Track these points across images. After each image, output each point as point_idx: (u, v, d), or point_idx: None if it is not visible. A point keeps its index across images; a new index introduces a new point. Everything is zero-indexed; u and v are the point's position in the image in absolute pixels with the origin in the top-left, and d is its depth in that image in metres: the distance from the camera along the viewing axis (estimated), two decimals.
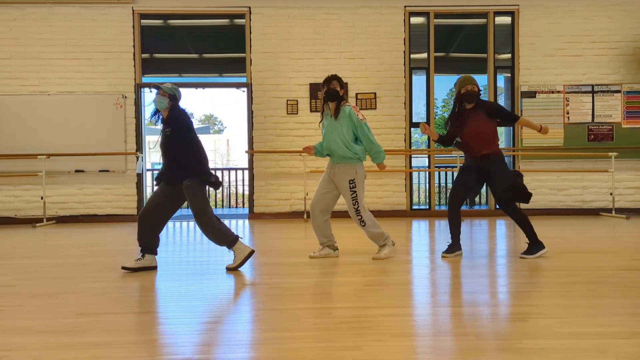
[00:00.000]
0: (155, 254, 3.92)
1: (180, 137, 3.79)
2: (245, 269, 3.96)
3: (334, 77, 4.22)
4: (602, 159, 7.44)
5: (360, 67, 7.48)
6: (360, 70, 7.48)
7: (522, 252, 4.23)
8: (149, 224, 3.83)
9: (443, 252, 4.34)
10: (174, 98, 3.86)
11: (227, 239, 3.83)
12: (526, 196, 4.15)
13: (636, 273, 3.64)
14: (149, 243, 3.87)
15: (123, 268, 3.81)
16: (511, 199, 4.20)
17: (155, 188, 3.94)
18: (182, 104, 4.00)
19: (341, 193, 4.25)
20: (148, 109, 3.98)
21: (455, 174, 7.85)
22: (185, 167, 3.79)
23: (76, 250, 4.89)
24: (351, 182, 4.15)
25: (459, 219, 4.40)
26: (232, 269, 3.81)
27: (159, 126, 4.02)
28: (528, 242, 4.23)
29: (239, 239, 3.89)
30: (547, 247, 4.18)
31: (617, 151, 7.29)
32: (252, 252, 3.88)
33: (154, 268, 3.89)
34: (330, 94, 4.18)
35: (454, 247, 4.35)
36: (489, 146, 4.16)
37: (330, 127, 4.21)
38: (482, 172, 4.22)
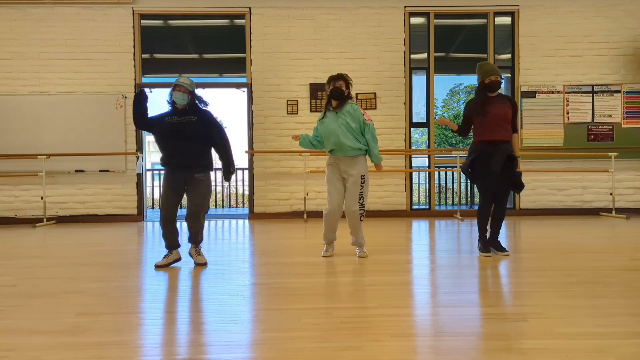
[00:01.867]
0: (179, 246, 4.18)
1: (217, 130, 4.08)
2: (246, 269, 3.96)
3: (340, 77, 4.24)
4: (602, 159, 7.44)
5: (361, 68, 7.48)
6: (360, 71, 7.48)
7: (503, 252, 4.34)
8: (172, 225, 4.08)
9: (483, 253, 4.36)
10: (193, 92, 4.08)
11: (201, 234, 4.18)
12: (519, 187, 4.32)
13: (636, 273, 3.64)
14: (172, 241, 4.11)
15: (157, 266, 4.02)
16: (510, 187, 4.30)
17: (165, 183, 4.06)
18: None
19: (348, 185, 4.26)
20: (151, 107, 4.10)
21: (456, 174, 7.85)
22: (210, 157, 4.13)
23: (76, 251, 4.89)
24: (362, 177, 4.23)
25: (488, 217, 4.41)
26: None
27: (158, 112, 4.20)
28: (493, 239, 4.39)
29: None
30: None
31: (617, 151, 7.29)
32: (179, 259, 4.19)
33: (180, 259, 4.18)
34: (335, 92, 4.20)
35: (487, 246, 4.40)
36: (508, 133, 4.27)
37: (332, 122, 4.23)
38: (496, 156, 4.24)
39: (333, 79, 4.23)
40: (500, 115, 4.24)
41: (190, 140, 3.98)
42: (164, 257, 4.09)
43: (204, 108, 4.14)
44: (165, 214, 4.03)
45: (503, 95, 4.38)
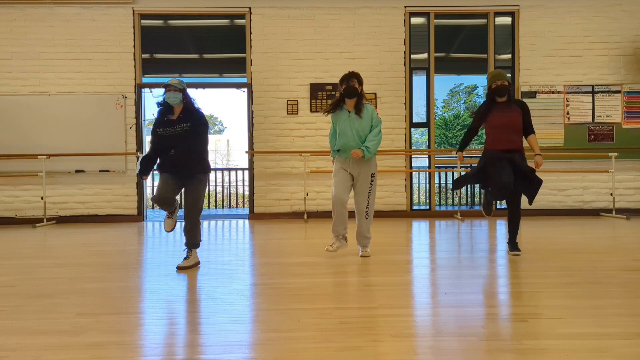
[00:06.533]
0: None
1: (202, 133, 3.94)
2: (246, 269, 3.96)
3: (354, 75, 4.26)
4: (602, 160, 7.44)
5: (361, 68, 7.47)
6: (361, 71, 7.35)
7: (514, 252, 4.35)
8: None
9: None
10: (185, 91, 3.94)
11: (199, 238, 4.05)
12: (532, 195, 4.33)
13: (636, 273, 3.64)
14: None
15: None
16: (522, 192, 4.33)
17: (162, 178, 3.98)
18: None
19: (358, 184, 4.30)
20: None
21: (456, 175, 7.85)
22: (205, 160, 4.01)
23: (76, 251, 4.89)
24: (372, 175, 4.30)
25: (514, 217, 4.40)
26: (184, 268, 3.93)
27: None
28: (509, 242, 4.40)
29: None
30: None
31: (618, 151, 7.29)
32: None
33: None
34: (350, 91, 4.22)
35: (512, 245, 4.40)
36: (517, 141, 4.33)
37: (345, 124, 4.25)
38: (510, 161, 4.29)
39: (347, 77, 4.24)
40: (507, 124, 4.29)
41: (191, 145, 3.87)
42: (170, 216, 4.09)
43: (197, 108, 3.99)
44: (160, 193, 3.91)
45: (514, 100, 4.42)
